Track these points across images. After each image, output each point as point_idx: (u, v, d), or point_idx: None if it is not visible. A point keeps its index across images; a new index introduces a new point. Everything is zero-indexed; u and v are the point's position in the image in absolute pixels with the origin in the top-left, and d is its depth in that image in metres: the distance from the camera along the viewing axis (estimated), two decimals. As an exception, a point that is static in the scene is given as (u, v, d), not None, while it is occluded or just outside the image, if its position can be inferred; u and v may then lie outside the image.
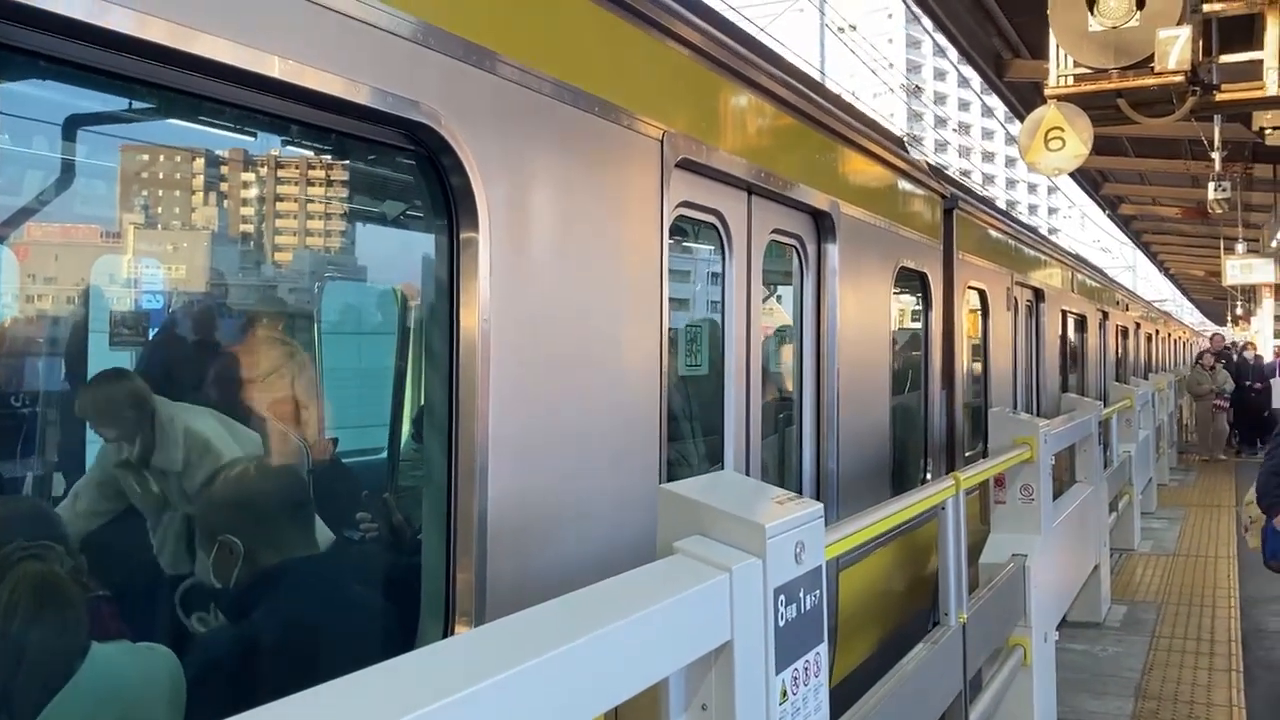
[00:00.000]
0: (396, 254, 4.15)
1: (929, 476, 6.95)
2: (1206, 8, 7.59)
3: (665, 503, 2.27)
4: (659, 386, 3.54)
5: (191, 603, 2.92)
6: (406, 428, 4.26)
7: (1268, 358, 22.84)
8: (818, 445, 5.11)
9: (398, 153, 2.74)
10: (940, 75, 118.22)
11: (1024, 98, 12.67)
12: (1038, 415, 8.98)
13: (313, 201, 4.18)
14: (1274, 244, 18.55)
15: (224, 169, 3.89)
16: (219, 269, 4.15)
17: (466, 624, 2.64)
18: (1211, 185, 12.97)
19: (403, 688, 1.35)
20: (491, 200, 2.71)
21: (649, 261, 3.53)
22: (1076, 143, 7.91)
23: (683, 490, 2.29)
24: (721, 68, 4.09)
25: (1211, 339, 27.98)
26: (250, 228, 4.27)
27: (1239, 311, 34.81)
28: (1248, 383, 20.60)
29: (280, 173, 4.07)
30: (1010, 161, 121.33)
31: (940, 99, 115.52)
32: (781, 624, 2.21)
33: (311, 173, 4.12)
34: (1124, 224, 25.74)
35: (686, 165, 3.79)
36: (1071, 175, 13.25)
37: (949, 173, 12.73)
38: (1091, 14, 7.26)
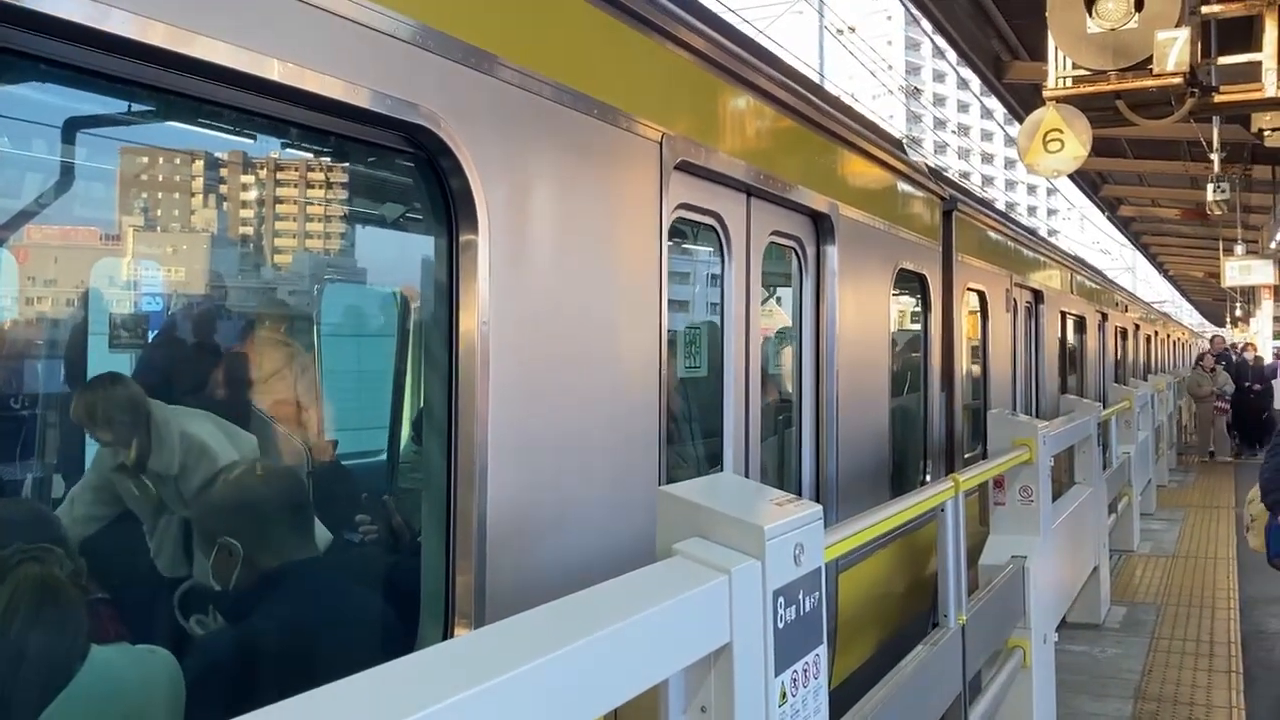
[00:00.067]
0: (396, 256, 4.15)
1: (928, 478, 6.95)
2: (1205, 9, 7.59)
3: (664, 505, 2.27)
4: (658, 388, 3.54)
5: (191, 605, 2.92)
6: (406, 430, 4.26)
7: (1267, 359, 22.85)
8: (817, 447, 5.11)
9: (397, 155, 2.74)
10: (939, 77, 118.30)
11: (1023, 99, 12.68)
12: (1037, 417, 8.99)
13: (312, 204, 4.18)
14: (1273, 245, 18.55)
15: (223, 171, 3.89)
16: (218, 271, 4.15)
17: (466, 626, 2.64)
18: (1210, 187, 12.97)
19: (402, 690, 1.35)
20: (491, 202, 2.71)
21: (648, 264, 3.54)
22: (1075, 144, 7.91)
23: (682, 492, 2.29)
24: (720, 70, 4.10)
25: (1212, 341, 27.98)
26: (250, 230, 4.27)
27: (1238, 313, 34.82)
28: (1246, 383, 20.60)
29: (280, 175, 4.07)
30: (1009, 163, 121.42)
31: (939, 101, 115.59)
32: (781, 626, 2.21)
33: (311, 175, 4.13)
34: (1123, 225, 25.74)
35: (685, 167, 3.80)
36: (1070, 177, 13.25)
37: (948, 174, 12.73)
38: (1090, 16, 7.26)
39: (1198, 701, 6.30)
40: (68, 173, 3.31)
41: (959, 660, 4.22)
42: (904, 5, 12.60)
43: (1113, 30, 7.23)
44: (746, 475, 4.37)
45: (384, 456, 4.46)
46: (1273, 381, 20.33)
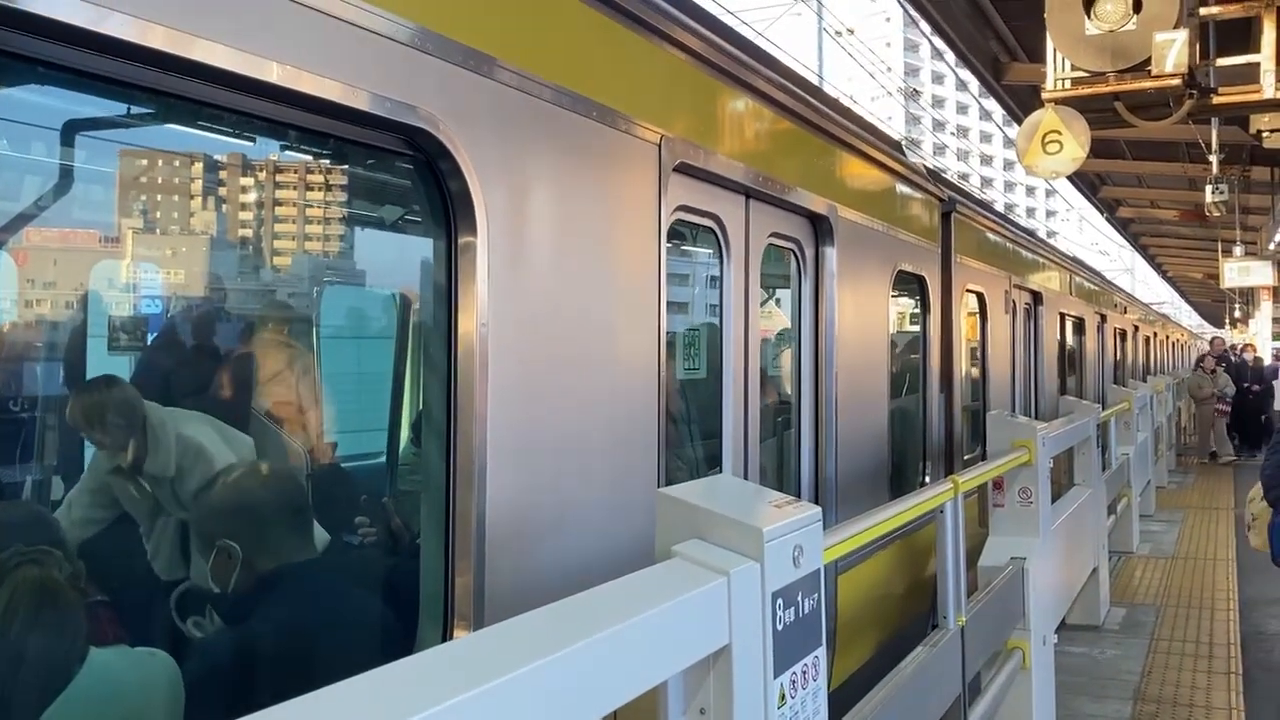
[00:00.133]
0: (394, 259, 4.15)
1: (927, 480, 6.95)
2: (1203, 11, 7.60)
3: (663, 506, 2.27)
4: (657, 390, 3.54)
5: (189, 608, 2.92)
6: (405, 432, 4.27)
7: (1266, 360, 22.85)
8: (816, 449, 5.11)
9: (396, 157, 2.74)
10: (938, 79, 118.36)
11: (1022, 101, 12.69)
12: (1036, 418, 8.99)
13: (311, 206, 4.18)
14: (1271, 246, 18.56)
15: (223, 174, 3.89)
16: (217, 274, 4.15)
17: (465, 628, 2.64)
18: (1209, 188, 12.97)
19: (401, 692, 1.35)
20: (489, 205, 2.72)
21: (647, 265, 3.54)
22: (1074, 146, 7.92)
23: (681, 494, 2.29)
24: (719, 72, 4.10)
25: (1212, 342, 27.99)
26: (249, 233, 4.27)
27: (1237, 314, 34.84)
28: (1245, 384, 20.60)
29: (279, 178, 4.07)
30: (1008, 165, 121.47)
31: (938, 102, 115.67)
32: (780, 627, 2.21)
33: (310, 177, 4.13)
34: (1122, 227, 25.76)
35: (684, 169, 3.80)
36: (1069, 178, 13.25)
37: (947, 176, 12.74)
38: (1088, 17, 7.27)
39: (1197, 703, 6.30)
40: (67, 175, 3.31)
41: (958, 662, 4.22)
42: (902, 7, 12.61)
43: (1111, 32, 7.24)
44: (745, 477, 4.37)
45: (383, 458, 4.46)
46: (1273, 382, 20.31)
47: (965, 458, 7.76)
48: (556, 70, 3.05)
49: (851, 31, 29.09)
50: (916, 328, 7.23)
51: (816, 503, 4.11)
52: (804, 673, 2.32)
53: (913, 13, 11.42)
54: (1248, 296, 27.92)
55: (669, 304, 3.66)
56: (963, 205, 7.89)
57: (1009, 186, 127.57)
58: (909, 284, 6.87)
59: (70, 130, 3.09)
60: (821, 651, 2.41)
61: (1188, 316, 70.21)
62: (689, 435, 4.62)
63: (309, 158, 3.85)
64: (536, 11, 3.04)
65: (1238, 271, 19.76)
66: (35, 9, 1.76)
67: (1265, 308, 22.99)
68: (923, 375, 7.11)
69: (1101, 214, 23.50)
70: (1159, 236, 27.31)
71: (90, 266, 3.73)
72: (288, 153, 3.67)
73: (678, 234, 4.30)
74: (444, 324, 2.71)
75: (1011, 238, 9.82)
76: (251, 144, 3.37)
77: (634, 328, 3.48)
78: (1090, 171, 18.22)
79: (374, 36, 2.39)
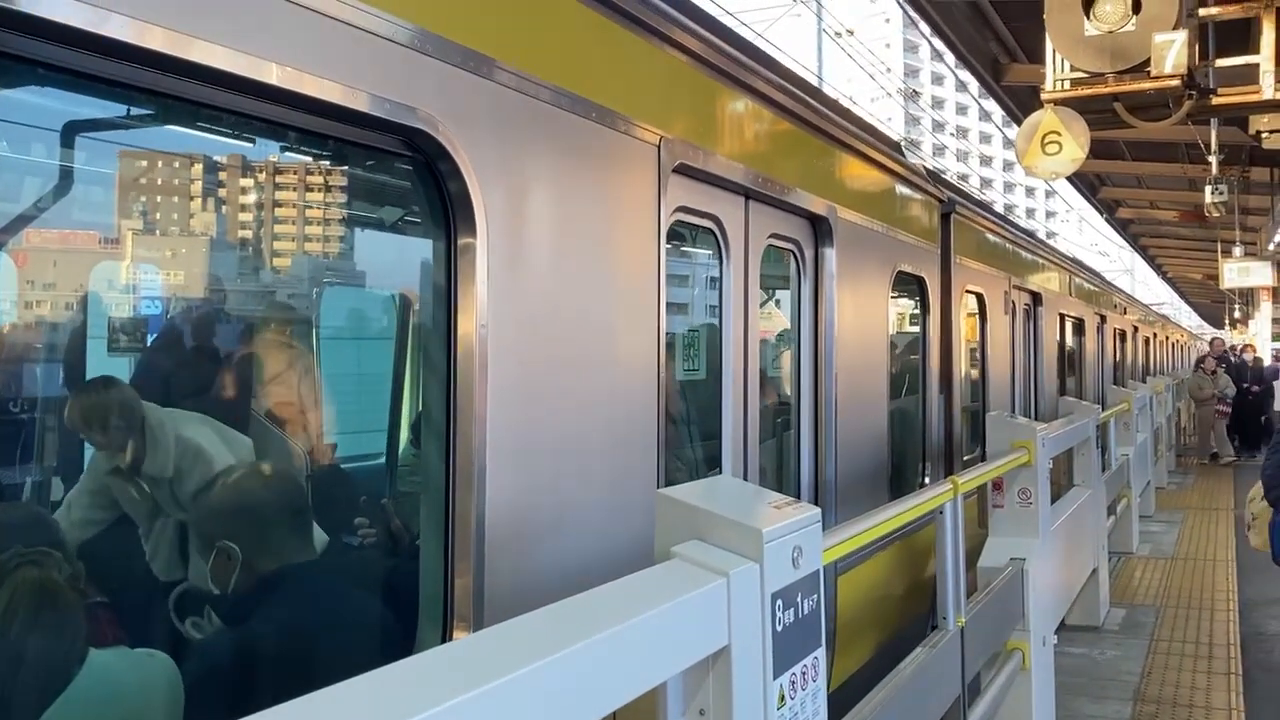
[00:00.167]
0: (394, 260, 4.15)
1: (927, 480, 6.95)
2: (1202, 12, 7.61)
3: (663, 507, 2.27)
4: (657, 391, 3.54)
5: (189, 609, 2.92)
6: (405, 433, 4.27)
7: (1266, 360, 22.85)
8: (815, 449, 5.11)
9: (395, 159, 2.74)
10: (938, 80, 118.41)
11: (1021, 102, 12.69)
12: (1036, 419, 8.99)
13: (311, 207, 4.18)
14: (1271, 247, 18.57)
15: (222, 175, 3.89)
16: (217, 275, 4.15)
17: (464, 629, 2.64)
18: (1208, 189, 12.99)
19: (400, 693, 1.35)
20: (489, 206, 2.72)
21: (646, 266, 3.54)
22: (1073, 147, 7.92)
23: (680, 495, 2.30)
24: (719, 73, 4.11)
25: (1212, 343, 27.99)
26: (248, 234, 4.27)
27: (1236, 314, 34.85)
28: (1245, 384, 20.59)
29: (278, 179, 4.07)
30: (1008, 165, 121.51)
31: (938, 103, 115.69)
32: (779, 628, 2.21)
33: (309, 179, 4.13)
34: (1121, 227, 25.76)
35: (683, 170, 3.80)
36: (1069, 179, 13.26)
37: (946, 177, 12.74)
38: (1087, 18, 7.27)
39: (1197, 704, 6.30)
40: (66, 177, 3.32)
41: (958, 662, 4.22)
42: (902, 8, 12.61)
43: (1110, 33, 7.24)
44: (745, 478, 4.37)
45: (382, 459, 4.46)
46: (1273, 383, 20.32)
47: (965, 458, 7.76)
48: (556, 71, 3.05)
49: (851, 33, 29.10)
50: (916, 329, 7.23)
51: (816, 504, 4.10)
52: (803, 674, 2.32)
53: (912, 14, 11.43)
54: (1247, 297, 27.93)
55: (668, 305, 3.66)
56: (962, 206, 7.89)
57: (1008, 187, 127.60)
58: (908, 285, 6.87)
59: (70, 132, 3.09)
60: (821, 652, 2.41)
61: (1187, 317, 70.23)
62: (688, 436, 4.62)
63: (309, 159, 3.85)
64: (535, 13, 3.05)
65: (1237, 272, 19.77)
66: (35, 10, 1.76)
67: (1265, 308, 23.01)
68: (922, 376, 7.11)
69: (1101, 215, 23.50)
70: (1158, 237, 27.31)
71: (90, 268, 3.73)
72: (287, 154, 3.67)
73: (677, 235, 4.30)
74: (443, 325, 2.71)
75: (1011, 238, 9.82)
76: (251, 145, 3.37)
77: (633, 329, 3.48)
78: (1090, 172, 18.23)
79: (373, 38, 2.40)
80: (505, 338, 2.78)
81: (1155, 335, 27.40)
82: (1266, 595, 8.84)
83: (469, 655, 1.62)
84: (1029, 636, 5.18)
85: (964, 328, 7.90)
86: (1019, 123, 9.22)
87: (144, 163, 3.61)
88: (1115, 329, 17.93)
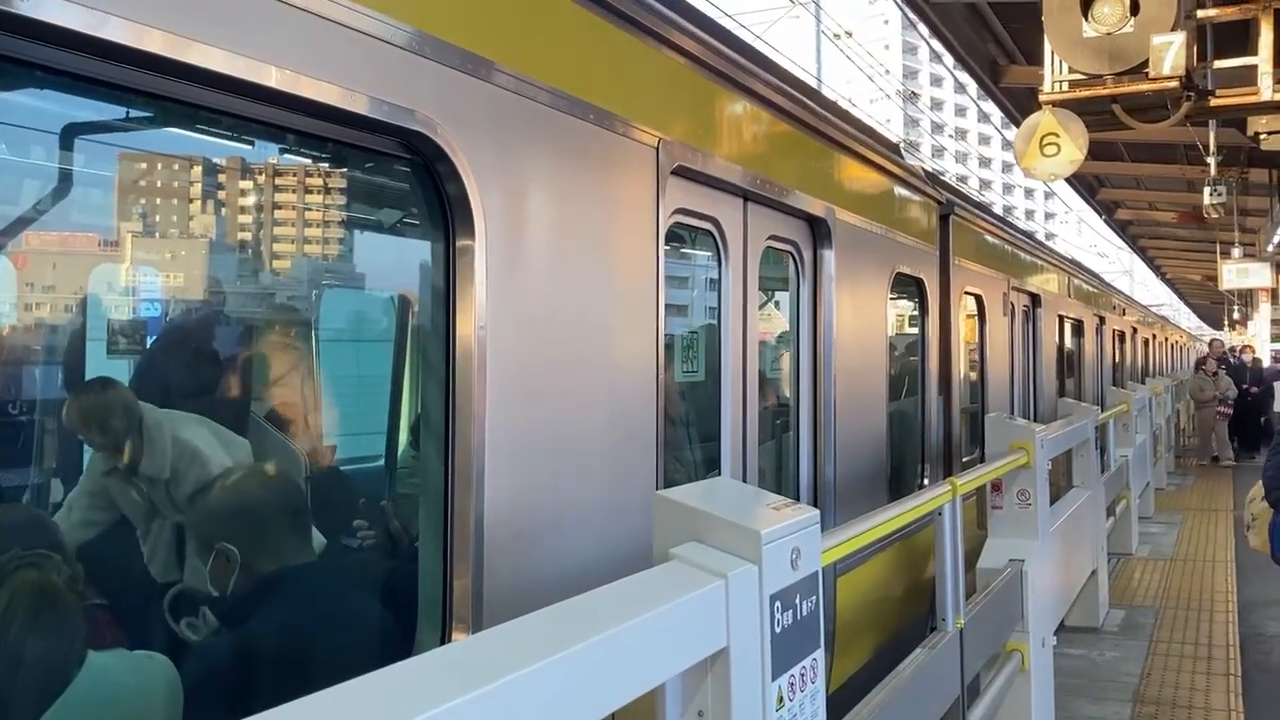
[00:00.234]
0: (393, 262, 4.15)
1: (926, 482, 6.95)
2: (1200, 13, 7.62)
3: (661, 509, 2.27)
4: (655, 393, 3.54)
5: (187, 611, 2.92)
6: (404, 435, 4.27)
7: (1266, 361, 22.85)
8: (814, 451, 5.11)
9: (394, 161, 2.75)
10: (936, 81, 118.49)
11: (1020, 103, 12.70)
12: (1034, 420, 9.00)
13: (310, 209, 4.19)
14: (1270, 248, 18.57)
15: (221, 177, 3.90)
16: (216, 277, 4.15)
17: (464, 631, 2.64)
18: (1207, 190, 12.99)
19: (400, 695, 1.35)
20: (487, 208, 2.72)
21: (645, 268, 3.54)
22: (1072, 148, 7.93)
23: (679, 497, 2.30)
24: (717, 75, 4.11)
25: (1211, 344, 28.00)
26: (247, 236, 4.28)
27: (1236, 315, 34.86)
28: (1244, 385, 20.60)
29: (277, 181, 4.07)
30: (1007, 167, 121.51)
31: (937, 105, 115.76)
32: (778, 630, 2.21)
33: (308, 181, 4.13)
34: (1120, 229, 25.77)
35: (682, 172, 3.80)
36: (1068, 180, 13.26)
37: (945, 178, 12.75)
38: (1086, 20, 7.28)
39: (1196, 705, 6.30)
40: (66, 179, 3.32)
41: (957, 664, 4.22)
42: (901, 10, 12.62)
43: (1109, 34, 7.25)
44: (744, 479, 4.37)
45: (381, 461, 4.46)
46: (1273, 384, 20.32)
47: (964, 460, 7.76)
48: (554, 73, 3.05)
49: (849, 34, 29.11)
50: (915, 330, 7.24)
51: (815, 505, 4.12)
52: (802, 675, 2.32)
53: (911, 16, 11.43)
54: (1246, 298, 27.96)
55: (667, 306, 3.66)
56: (961, 208, 7.89)
57: (1007, 189, 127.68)
58: (907, 286, 6.87)
59: (69, 134, 3.09)
60: (820, 654, 2.41)
61: (1186, 318, 70.26)
62: (687, 438, 4.62)
63: (307, 161, 3.85)
64: (534, 15, 3.05)
65: (1236, 273, 19.80)
66: (35, 13, 1.76)
67: (1264, 309, 23.04)
68: (921, 377, 7.11)
69: (1100, 216, 23.51)
70: (1157, 238, 27.32)
71: (89, 270, 3.73)
72: (286, 156, 3.67)
73: (676, 236, 4.30)
74: (442, 327, 2.72)
75: (1010, 240, 9.83)
76: (250, 147, 3.38)
77: (632, 330, 3.48)
78: (1088, 173, 18.23)
79: (371, 40, 2.40)
80: (504, 339, 2.78)
81: (1154, 336, 27.40)
82: (1266, 596, 8.84)
83: (468, 657, 1.62)
84: (1028, 638, 5.18)
85: (963, 329, 7.91)
86: (1017, 124, 9.23)
87: (143, 165, 3.62)
88: (1114, 330, 17.94)
